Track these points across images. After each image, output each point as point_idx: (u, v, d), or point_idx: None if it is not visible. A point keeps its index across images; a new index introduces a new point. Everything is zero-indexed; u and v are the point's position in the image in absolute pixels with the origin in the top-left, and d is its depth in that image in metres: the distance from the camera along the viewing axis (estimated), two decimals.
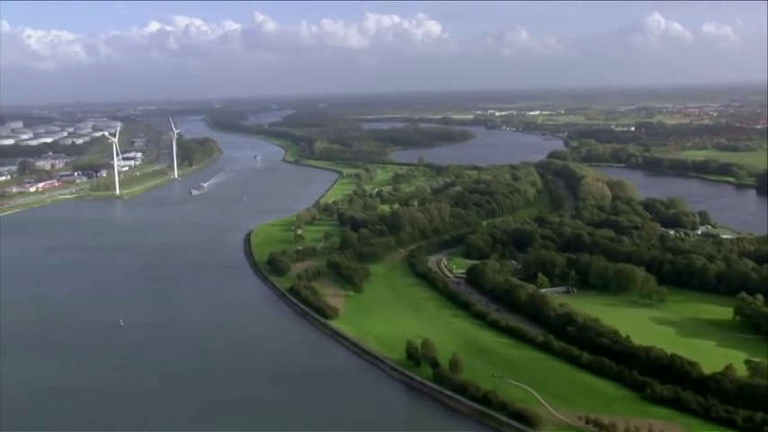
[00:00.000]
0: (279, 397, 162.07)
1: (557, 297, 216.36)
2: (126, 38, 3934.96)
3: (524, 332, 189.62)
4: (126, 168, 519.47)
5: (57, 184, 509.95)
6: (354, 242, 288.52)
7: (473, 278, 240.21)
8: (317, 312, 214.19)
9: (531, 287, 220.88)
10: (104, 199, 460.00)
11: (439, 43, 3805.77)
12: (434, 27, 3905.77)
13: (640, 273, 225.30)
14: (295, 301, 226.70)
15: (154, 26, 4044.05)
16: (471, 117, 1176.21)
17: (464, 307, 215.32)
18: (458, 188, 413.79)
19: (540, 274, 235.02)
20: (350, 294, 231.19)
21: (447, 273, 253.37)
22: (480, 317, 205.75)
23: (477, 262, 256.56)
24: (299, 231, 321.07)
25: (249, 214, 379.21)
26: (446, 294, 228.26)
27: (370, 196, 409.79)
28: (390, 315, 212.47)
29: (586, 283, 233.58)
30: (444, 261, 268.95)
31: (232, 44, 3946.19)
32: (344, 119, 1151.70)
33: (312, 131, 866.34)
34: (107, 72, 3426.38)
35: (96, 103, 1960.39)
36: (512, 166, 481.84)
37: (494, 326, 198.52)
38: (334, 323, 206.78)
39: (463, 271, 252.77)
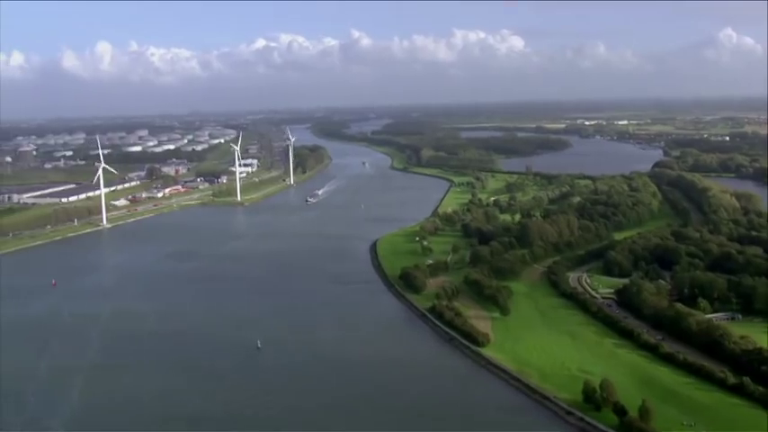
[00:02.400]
0: None
1: (722, 324, 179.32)
2: (236, 54, 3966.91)
3: (709, 370, 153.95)
4: (244, 175, 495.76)
5: (182, 190, 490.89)
6: (487, 256, 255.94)
7: (625, 300, 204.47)
8: (465, 338, 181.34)
9: (699, 314, 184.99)
10: (226, 205, 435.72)
11: (521, 57, 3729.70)
12: (517, 42, 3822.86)
13: None
14: (438, 323, 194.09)
15: (260, 43, 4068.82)
16: (563, 126, 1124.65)
17: (625, 335, 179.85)
18: (577, 198, 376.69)
19: (700, 298, 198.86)
20: (495, 316, 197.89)
21: (592, 293, 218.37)
22: (649, 348, 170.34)
23: (622, 281, 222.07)
24: (425, 243, 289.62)
25: (368, 223, 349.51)
26: (601, 319, 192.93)
27: (488, 206, 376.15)
28: (545, 342, 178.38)
29: (749, 308, 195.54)
30: (586, 279, 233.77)
31: (331, 58, 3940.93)
32: (442, 128, 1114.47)
33: (413, 139, 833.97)
34: (219, 84, 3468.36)
35: (210, 112, 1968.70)
36: (625, 177, 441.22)
37: (668, 360, 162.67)
38: (486, 351, 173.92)
39: (610, 291, 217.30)
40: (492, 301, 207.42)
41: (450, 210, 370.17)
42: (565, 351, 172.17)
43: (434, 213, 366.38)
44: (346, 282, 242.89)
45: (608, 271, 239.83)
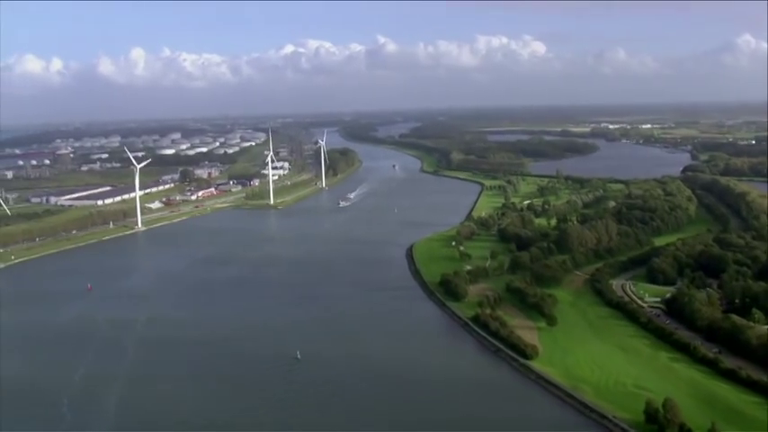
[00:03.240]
0: None
1: None
2: (264, 59, 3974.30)
3: None
4: (275, 178, 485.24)
5: (215, 193, 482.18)
6: (527, 263, 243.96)
7: (675, 310, 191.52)
8: (512, 349, 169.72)
9: (758, 326, 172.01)
10: (259, 208, 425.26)
11: (543, 62, 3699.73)
12: (539, 47, 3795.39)
13: None
14: (483, 334, 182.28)
15: (289, 48, 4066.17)
16: (588, 130, 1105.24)
17: (680, 348, 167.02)
18: (612, 203, 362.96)
19: (754, 309, 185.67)
20: (541, 326, 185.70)
21: (639, 301, 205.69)
22: (707, 363, 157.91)
23: (667, 289, 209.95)
24: (462, 248, 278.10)
25: (402, 227, 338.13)
26: (652, 330, 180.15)
27: (522, 210, 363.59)
28: (596, 355, 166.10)
29: None
30: (630, 287, 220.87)
31: (357, 63, 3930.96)
32: (469, 131, 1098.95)
33: (441, 143, 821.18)
34: (248, 89, 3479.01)
35: (240, 116, 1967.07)
36: (658, 181, 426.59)
37: (728, 376, 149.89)
38: (535, 364, 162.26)
39: (657, 300, 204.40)
40: (537, 309, 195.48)
41: (484, 214, 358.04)
42: (618, 365, 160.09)
43: (469, 217, 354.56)
44: (384, 288, 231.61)
45: (652, 278, 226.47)
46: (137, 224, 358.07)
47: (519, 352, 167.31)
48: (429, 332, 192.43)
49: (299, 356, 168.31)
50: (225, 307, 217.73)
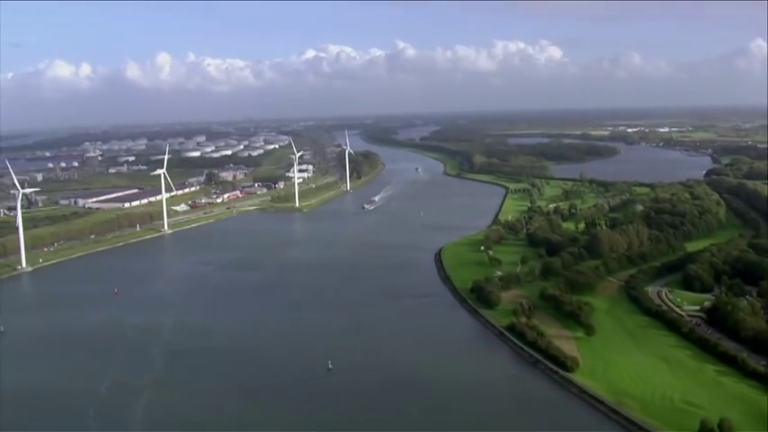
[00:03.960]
0: None
1: None
2: (287, 64, 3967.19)
3: None
4: (300, 180, 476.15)
5: (240, 195, 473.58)
6: (559, 268, 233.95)
7: (717, 319, 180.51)
8: (551, 361, 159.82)
9: None
10: (285, 211, 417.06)
11: (560, 66, 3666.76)
12: (556, 52, 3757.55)
13: None
14: (520, 344, 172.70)
15: (310, 53, 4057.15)
16: (607, 133, 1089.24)
17: (726, 360, 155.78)
18: (639, 207, 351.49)
19: None
20: (579, 336, 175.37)
21: (677, 310, 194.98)
22: (758, 377, 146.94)
23: (704, 296, 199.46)
24: (491, 252, 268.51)
25: (429, 230, 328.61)
26: (694, 341, 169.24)
27: (548, 213, 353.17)
28: (639, 368, 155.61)
29: None
30: (666, 294, 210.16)
31: (377, 68, 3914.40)
32: (489, 134, 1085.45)
33: (462, 145, 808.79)
34: (270, 93, 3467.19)
35: (263, 119, 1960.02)
36: (684, 184, 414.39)
37: None
38: (576, 377, 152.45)
39: (696, 308, 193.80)
40: (573, 318, 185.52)
41: (510, 217, 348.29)
42: (662, 378, 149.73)
43: (495, 221, 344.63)
44: (414, 295, 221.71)
45: (687, 285, 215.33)
46: (163, 227, 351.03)
47: (559, 364, 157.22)
48: (462, 341, 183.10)
49: (330, 367, 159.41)
50: (252, 313, 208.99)
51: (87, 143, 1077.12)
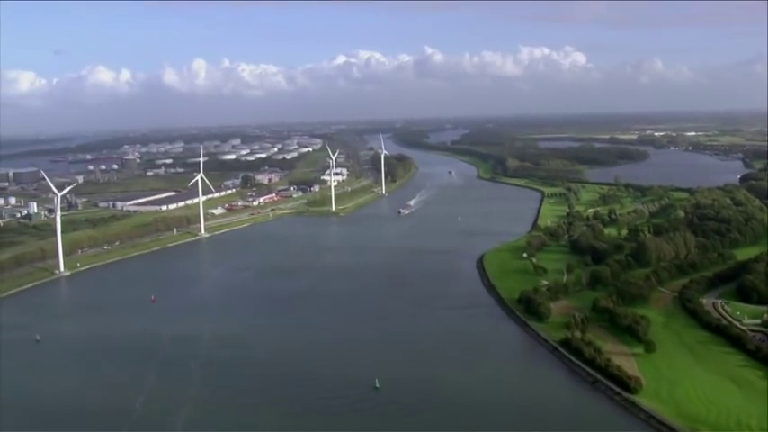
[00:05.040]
0: None
1: None
2: (318, 69, 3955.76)
3: None
4: (335, 184, 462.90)
5: (276, 199, 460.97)
6: (608, 277, 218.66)
7: None
8: (612, 380, 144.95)
9: None
10: (321, 215, 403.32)
11: (584, 71, 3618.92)
12: (580, 58, 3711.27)
13: None
14: (576, 361, 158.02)
15: (341, 59, 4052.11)
16: (635, 137, 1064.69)
17: None
18: (681, 213, 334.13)
19: None
20: (638, 353, 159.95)
21: (738, 324, 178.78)
22: None
23: (762, 308, 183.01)
24: (534, 260, 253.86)
25: (467, 236, 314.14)
26: (761, 359, 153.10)
27: (587, 219, 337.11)
28: (706, 389, 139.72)
29: None
30: (723, 306, 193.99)
31: (405, 73, 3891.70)
32: (518, 137, 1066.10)
33: (494, 149, 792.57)
34: (302, 97, 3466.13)
35: (295, 123, 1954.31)
36: (723, 189, 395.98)
37: None
38: (641, 399, 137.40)
39: (756, 322, 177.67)
40: (630, 333, 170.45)
41: (549, 222, 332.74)
42: (734, 401, 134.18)
43: (535, 227, 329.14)
44: (459, 305, 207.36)
45: (743, 296, 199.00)
46: (200, 231, 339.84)
47: (620, 384, 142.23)
48: (514, 357, 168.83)
49: (377, 385, 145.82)
50: (292, 323, 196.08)
51: (126, 146, 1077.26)
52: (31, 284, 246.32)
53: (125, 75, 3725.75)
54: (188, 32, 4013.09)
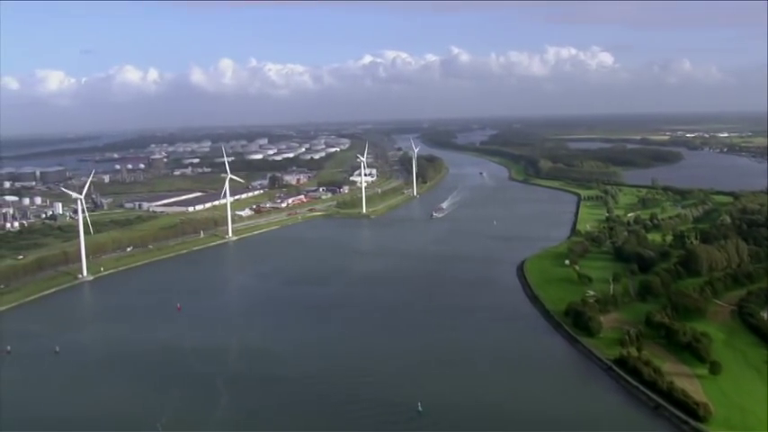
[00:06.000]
0: None
1: None
2: (344, 69, 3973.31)
3: None
4: (365, 185, 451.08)
5: (304, 200, 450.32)
6: (659, 288, 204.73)
7: None
8: (676, 406, 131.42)
9: None
10: (351, 217, 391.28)
11: (611, 72, 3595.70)
12: (607, 58, 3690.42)
13: None
14: (635, 382, 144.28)
15: (367, 59, 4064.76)
16: (667, 138, 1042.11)
17: None
18: (726, 218, 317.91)
19: None
20: (702, 375, 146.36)
21: None
22: None
23: None
24: (577, 267, 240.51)
25: (504, 241, 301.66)
26: None
27: (628, 224, 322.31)
28: None
29: None
30: None
31: (431, 73, 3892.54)
32: (548, 138, 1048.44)
33: (524, 150, 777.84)
34: (328, 97, 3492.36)
35: (322, 122, 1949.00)
36: None
37: None
38: (712, 430, 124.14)
39: None
40: (690, 351, 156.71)
41: (588, 227, 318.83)
42: None
43: (575, 232, 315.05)
44: (502, 316, 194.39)
45: None
46: (227, 233, 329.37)
47: (687, 411, 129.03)
48: (565, 376, 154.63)
49: (420, 409, 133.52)
50: (324, 335, 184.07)
51: (154, 145, 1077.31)
52: (52, 290, 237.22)
53: (152, 74, 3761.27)
54: (215, 32, 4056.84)
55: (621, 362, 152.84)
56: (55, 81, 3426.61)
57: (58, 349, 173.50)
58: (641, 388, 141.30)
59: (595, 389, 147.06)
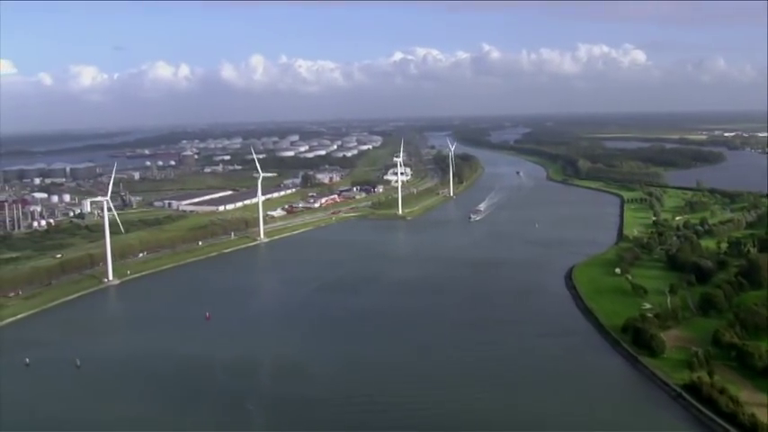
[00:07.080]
0: None
1: None
2: (375, 66, 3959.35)
3: None
4: (399, 184, 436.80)
5: (338, 200, 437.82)
6: (722, 302, 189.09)
7: None
8: None
9: None
10: (387, 219, 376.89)
11: (643, 70, 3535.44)
12: (639, 56, 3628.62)
13: None
14: (710, 414, 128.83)
15: (398, 56, 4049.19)
16: (704, 137, 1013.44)
17: None
18: None
19: None
20: None
21: None
22: None
23: None
24: (629, 277, 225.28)
25: (548, 246, 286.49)
26: None
27: (678, 228, 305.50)
28: None
29: None
30: None
31: (462, 70, 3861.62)
32: (582, 137, 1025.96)
33: (560, 149, 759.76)
34: (359, 94, 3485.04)
35: (352, 119, 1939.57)
36: None
37: None
38: None
39: None
40: (765, 376, 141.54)
41: (636, 232, 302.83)
42: None
43: (621, 237, 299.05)
44: (552, 332, 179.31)
45: None
46: (259, 235, 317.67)
47: None
48: (630, 405, 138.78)
49: None
50: (362, 349, 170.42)
51: (185, 141, 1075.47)
52: (76, 294, 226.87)
53: (184, 70, 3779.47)
54: (246, 29, 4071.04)
55: (692, 388, 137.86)
56: (87, 77, 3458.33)
57: (78, 363, 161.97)
58: (718, 420, 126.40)
59: (666, 421, 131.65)
